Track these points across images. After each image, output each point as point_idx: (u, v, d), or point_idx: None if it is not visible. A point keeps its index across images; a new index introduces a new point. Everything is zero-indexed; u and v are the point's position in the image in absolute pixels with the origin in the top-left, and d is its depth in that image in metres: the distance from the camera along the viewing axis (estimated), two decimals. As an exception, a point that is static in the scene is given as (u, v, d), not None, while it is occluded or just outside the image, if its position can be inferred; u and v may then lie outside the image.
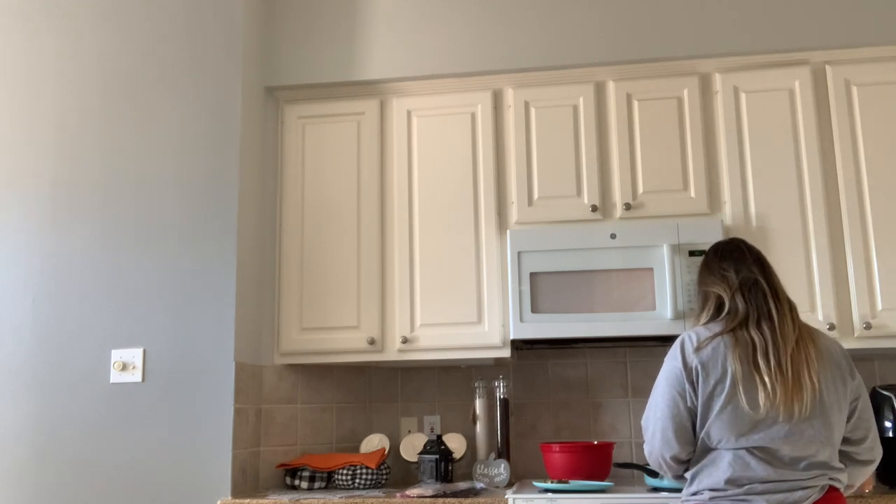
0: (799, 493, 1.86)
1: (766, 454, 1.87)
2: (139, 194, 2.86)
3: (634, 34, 2.94)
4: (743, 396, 1.88)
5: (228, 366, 2.70)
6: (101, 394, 2.74)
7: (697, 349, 1.95)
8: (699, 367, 1.93)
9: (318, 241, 3.00)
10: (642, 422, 2.05)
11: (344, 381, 3.18)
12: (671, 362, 1.99)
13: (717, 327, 1.99)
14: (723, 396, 1.89)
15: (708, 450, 1.93)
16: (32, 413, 2.76)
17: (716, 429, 1.90)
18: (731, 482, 1.87)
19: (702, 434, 1.92)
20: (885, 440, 2.55)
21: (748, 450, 1.87)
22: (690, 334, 2.01)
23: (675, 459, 1.98)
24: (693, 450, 1.97)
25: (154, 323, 2.77)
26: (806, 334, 1.98)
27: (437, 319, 2.89)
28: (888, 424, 2.54)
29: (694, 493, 1.94)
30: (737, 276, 2.04)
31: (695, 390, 1.93)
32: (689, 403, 1.94)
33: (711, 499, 1.89)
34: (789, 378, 1.88)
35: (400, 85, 3.06)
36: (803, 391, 1.88)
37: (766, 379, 1.88)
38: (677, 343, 2.01)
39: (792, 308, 2.01)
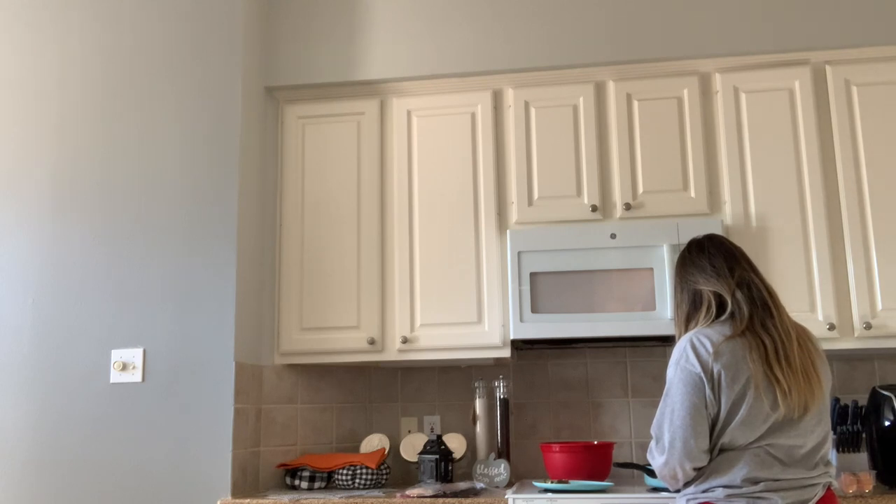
0: (810, 491, 1.87)
1: (782, 452, 1.86)
2: (139, 194, 2.86)
3: (634, 34, 2.94)
4: (765, 399, 1.86)
5: (228, 366, 2.70)
6: (101, 394, 2.74)
7: (716, 354, 1.89)
8: (722, 373, 1.88)
9: (318, 241, 3.00)
10: (653, 430, 1.97)
11: (344, 381, 3.18)
12: (687, 368, 1.91)
13: (725, 329, 1.94)
14: (746, 400, 1.86)
15: (722, 450, 1.91)
16: (32, 413, 2.76)
17: (738, 432, 1.87)
18: (748, 480, 1.85)
19: (722, 439, 1.89)
20: (885, 440, 2.55)
21: (765, 448, 1.87)
22: (700, 337, 1.94)
23: (695, 468, 1.91)
24: (710, 457, 1.93)
25: (154, 323, 2.77)
26: (800, 329, 1.99)
27: (437, 319, 2.89)
28: (888, 424, 2.54)
29: (704, 491, 1.91)
30: (732, 275, 1.99)
31: (716, 396, 1.88)
32: (710, 410, 1.89)
33: (727, 496, 1.87)
34: (800, 376, 1.88)
35: (400, 85, 3.06)
36: (814, 388, 1.89)
37: (782, 379, 1.86)
38: (685, 347, 1.94)
39: (781, 304, 2.01)
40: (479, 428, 3.00)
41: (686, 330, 2.03)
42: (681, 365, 1.93)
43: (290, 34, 3.11)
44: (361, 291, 2.95)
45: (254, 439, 2.84)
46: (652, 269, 2.75)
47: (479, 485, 2.75)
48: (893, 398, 2.55)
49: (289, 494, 2.67)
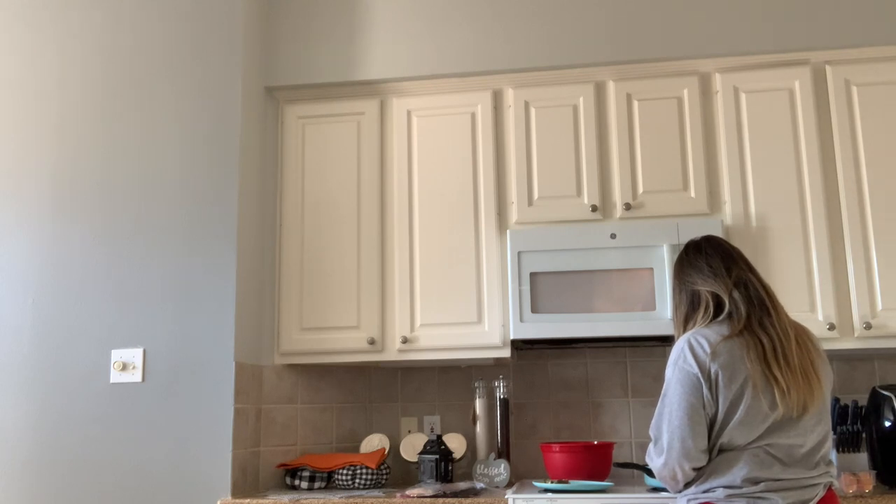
0: (811, 491, 1.87)
1: (781, 452, 1.86)
2: (139, 194, 2.86)
3: (634, 34, 2.94)
4: (763, 399, 1.86)
5: (228, 366, 2.70)
6: (101, 394, 2.74)
7: (714, 354, 1.89)
8: (719, 373, 1.88)
9: (318, 241, 3.00)
10: (651, 431, 1.97)
11: (344, 381, 3.18)
12: (685, 368, 1.91)
13: (723, 329, 1.94)
14: (744, 400, 1.86)
15: (721, 451, 1.91)
16: (32, 413, 2.76)
17: (737, 432, 1.87)
18: (748, 480, 1.85)
19: (721, 439, 1.89)
20: (885, 440, 2.55)
21: (764, 448, 1.87)
22: (698, 338, 1.94)
23: (694, 468, 1.91)
24: (709, 457, 1.92)
25: (154, 323, 2.77)
26: (799, 329, 1.99)
27: (437, 319, 2.89)
28: (888, 424, 2.54)
29: (705, 491, 1.91)
30: (729, 275, 2.00)
31: (713, 396, 1.88)
32: (707, 410, 1.89)
33: (727, 497, 1.87)
34: (799, 376, 1.88)
35: (400, 85, 3.06)
36: (813, 387, 1.89)
37: (781, 378, 1.86)
38: (683, 347, 1.94)
39: (779, 304, 2.01)
40: (479, 428, 3.00)
41: (684, 330, 2.03)
42: (678, 365, 1.93)
43: (290, 34, 3.11)
44: (361, 291, 2.95)
45: (254, 439, 2.84)
46: (652, 269, 2.75)
47: (479, 485, 2.75)
48: (893, 398, 2.55)
49: (289, 494, 2.67)
